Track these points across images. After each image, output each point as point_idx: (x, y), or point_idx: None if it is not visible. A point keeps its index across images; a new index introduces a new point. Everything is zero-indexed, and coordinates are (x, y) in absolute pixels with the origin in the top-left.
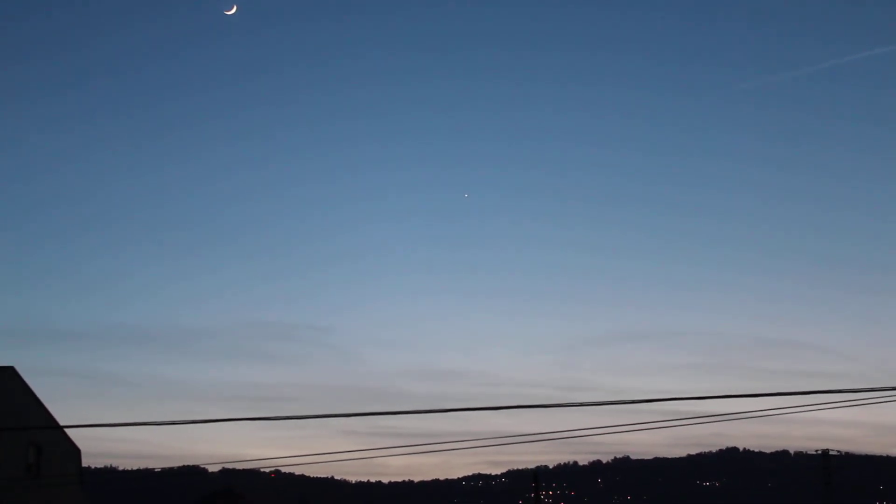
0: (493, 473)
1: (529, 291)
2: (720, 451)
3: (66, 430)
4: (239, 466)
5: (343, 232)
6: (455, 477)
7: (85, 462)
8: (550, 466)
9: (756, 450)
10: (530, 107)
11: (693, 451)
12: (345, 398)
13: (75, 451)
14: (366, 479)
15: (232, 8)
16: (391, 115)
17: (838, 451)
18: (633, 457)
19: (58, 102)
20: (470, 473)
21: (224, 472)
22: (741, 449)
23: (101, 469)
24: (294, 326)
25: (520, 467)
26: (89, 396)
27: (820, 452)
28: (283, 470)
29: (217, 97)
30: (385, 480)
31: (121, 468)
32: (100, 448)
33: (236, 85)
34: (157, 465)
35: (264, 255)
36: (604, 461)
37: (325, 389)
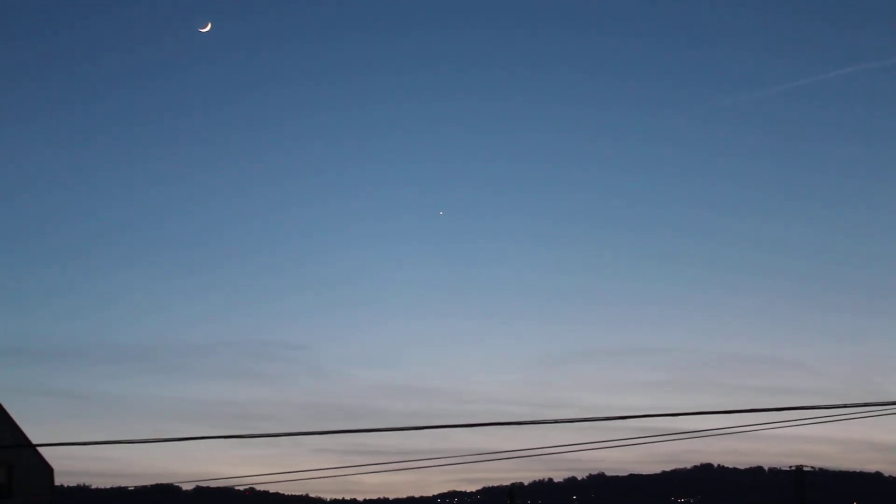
0: (468, 490)
1: (504, 309)
2: (695, 467)
3: (39, 449)
4: (213, 485)
5: (321, 253)
6: (430, 494)
7: (57, 481)
8: (526, 483)
9: (730, 466)
10: (504, 127)
11: (668, 468)
12: (322, 416)
13: (48, 470)
14: (341, 497)
15: (206, 25)
16: (370, 138)
17: (812, 467)
18: (608, 473)
19: (50, 123)
20: (445, 490)
21: (198, 490)
22: (716, 465)
23: (73, 488)
24: (272, 345)
25: (495, 484)
26: (66, 415)
27: (794, 468)
28: (258, 488)
29: (205, 121)
30: (360, 498)
31: (94, 487)
32: (73, 466)
33: (225, 108)
34: (131, 483)
35: (245, 276)
36: (579, 478)
37: (302, 408)
